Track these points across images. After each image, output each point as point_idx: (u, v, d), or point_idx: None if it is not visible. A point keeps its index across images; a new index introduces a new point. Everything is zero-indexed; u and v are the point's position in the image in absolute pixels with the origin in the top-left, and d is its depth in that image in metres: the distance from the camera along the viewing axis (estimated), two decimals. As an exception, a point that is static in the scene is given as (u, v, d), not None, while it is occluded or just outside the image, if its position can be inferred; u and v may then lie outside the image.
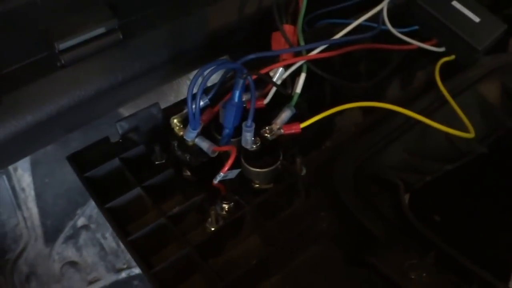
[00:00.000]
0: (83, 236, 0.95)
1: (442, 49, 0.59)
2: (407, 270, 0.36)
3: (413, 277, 0.36)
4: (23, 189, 0.94)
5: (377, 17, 0.56)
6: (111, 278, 0.94)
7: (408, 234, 0.39)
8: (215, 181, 0.43)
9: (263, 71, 0.46)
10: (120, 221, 0.44)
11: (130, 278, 0.96)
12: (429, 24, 0.59)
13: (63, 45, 0.43)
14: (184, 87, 0.89)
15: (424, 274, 0.36)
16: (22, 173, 0.94)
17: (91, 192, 0.45)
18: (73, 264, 0.95)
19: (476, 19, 0.58)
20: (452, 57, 0.58)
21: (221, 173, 0.42)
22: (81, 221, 0.94)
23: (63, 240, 0.96)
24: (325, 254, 0.41)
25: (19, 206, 0.94)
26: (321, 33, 0.55)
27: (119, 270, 0.95)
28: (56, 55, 0.43)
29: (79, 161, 0.48)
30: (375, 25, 0.56)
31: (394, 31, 0.57)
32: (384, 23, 0.56)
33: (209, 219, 0.45)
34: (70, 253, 0.95)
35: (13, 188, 0.93)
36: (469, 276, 0.36)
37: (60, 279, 0.92)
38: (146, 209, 0.46)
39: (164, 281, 0.39)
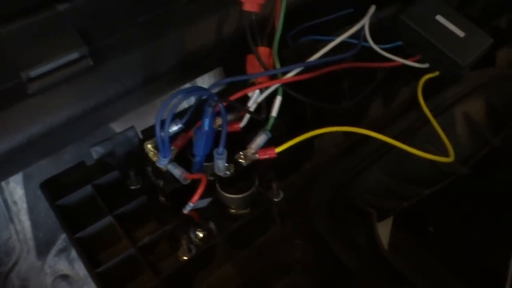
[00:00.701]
0: None
1: (426, 65, 0.58)
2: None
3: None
4: (15, 202, 0.93)
5: (359, 33, 0.55)
6: None
7: (381, 266, 0.38)
8: (185, 211, 0.42)
9: (237, 95, 0.45)
10: (91, 251, 0.43)
11: None
12: (412, 40, 0.58)
13: (31, 74, 0.42)
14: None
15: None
16: (15, 186, 0.93)
17: (61, 221, 0.44)
18: (65, 277, 0.95)
19: (461, 34, 0.57)
20: (436, 73, 0.57)
21: (190, 203, 0.41)
22: None
23: (55, 253, 0.95)
24: (298, 284, 0.40)
25: (11, 219, 0.93)
26: (304, 50, 0.54)
27: None
28: (24, 84, 0.42)
29: (53, 188, 0.47)
30: (356, 42, 0.55)
31: (376, 48, 0.56)
32: (366, 40, 0.55)
33: (181, 248, 0.44)
34: (62, 266, 0.95)
35: (5, 201, 0.92)
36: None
37: None
38: (118, 237, 0.45)
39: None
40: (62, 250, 0.95)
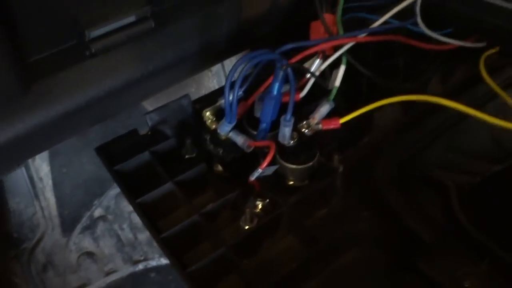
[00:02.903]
0: (100, 227, 0.95)
1: (483, 44, 0.56)
2: (460, 278, 0.34)
3: (467, 286, 0.34)
4: (41, 179, 0.94)
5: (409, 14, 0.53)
6: (128, 269, 0.94)
7: (460, 239, 0.37)
8: (252, 178, 0.41)
9: (296, 58, 0.44)
10: (151, 217, 0.42)
11: (147, 270, 0.96)
12: (464, 22, 0.55)
13: (93, 33, 0.41)
14: (205, 78, 0.88)
15: (479, 283, 0.34)
16: (40, 163, 0.94)
17: (121, 186, 0.43)
18: (90, 254, 0.95)
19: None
20: (496, 49, 0.55)
21: (259, 169, 0.40)
22: (98, 212, 0.94)
23: (80, 231, 0.96)
24: (367, 258, 0.39)
25: (36, 196, 0.94)
26: (356, 24, 0.53)
27: (136, 262, 0.95)
28: (86, 44, 0.41)
29: (108, 154, 0.46)
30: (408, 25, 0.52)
31: (429, 32, 0.53)
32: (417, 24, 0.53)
33: (243, 217, 0.43)
34: (87, 243, 0.95)
35: (31, 178, 0.93)
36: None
37: (77, 270, 0.92)
38: (177, 204, 0.44)
39: (199, 281, 0.37)
40: (87, 228, 0.96)
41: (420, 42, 0.53)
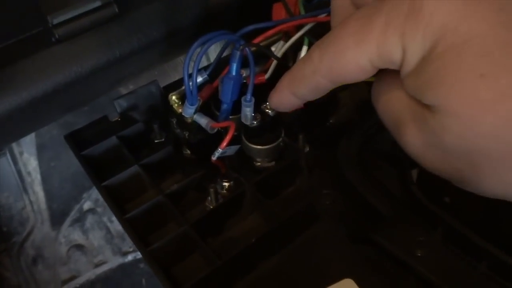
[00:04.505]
0: (90, 219, 0.96)
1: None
2: (413, 247, 0.35)
3: (419, 254, 0.34)
4: (29, 173, 0.94)
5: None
6: (118, 261, 0.95)
7: (414, 211, 0.38)
8: (214, 158, 0.42)
9: (258, 39, 0.44)
10: (118, 200, 0.43)
11: (136, 261, 0.97)
12: None
13: (57, 19, 0.42)
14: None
15: (431, 251, 0.35)
16: (28, 157, 0.94)
17: (87, 170, 0.44)
18: (79, 247, 0.97)
19: None
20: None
21: (219, 149, 0.41)
22: (87, 205, 0.95)
23: (69, 223, 0.97)
24: (328, 232, 0.40)
25: (25, 190, 0.94)
26: (320, 5, 0.53)
27: (125, 253, 0.97)
28: (50, 30, 0.42)
29: (77, 140, 0.47)
30: None
31: None
32: None
33: (209, 198, 0.43)
34: (77, 236, 0.96)
35: (19, 172, 0.93)
36: (479, 252, 0.34)
37: (67, 262, 0.93)
38: (144, 187, 0.45)
39: (161, 260, 0.38)
40: (76, 221, 0.96)
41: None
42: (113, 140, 0.46)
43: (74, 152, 0.45)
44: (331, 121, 0.50)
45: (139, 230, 0.40)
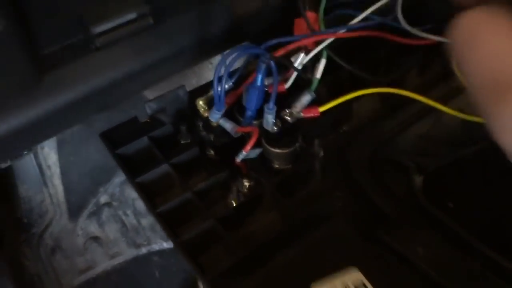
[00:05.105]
0: (106, 212, 0.98)
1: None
2: (416, 246, 0.39)
3: (419, 250, 0.38)
4: (49, 167, 0.96)
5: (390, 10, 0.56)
6: (132, 253, 0.97)
7: (418, 213, 0.42)
8: (238, 159, 0.46)
9: (280, 52, 0.48)
10: (149, 194, 0.47)
11: (150, 254, 0.98)
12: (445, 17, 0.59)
13: (98, 29, 0.46)
14: (206, 70, 0.92)
15: (432, 250, 0.39)
16: (49, 151, 0.96)
17: (122, 166, 0.48)
18: (96, 239, 0.98)
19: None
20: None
21: (243, 152, 0.45)
22: (103, 199, 0.97)
23: (86, 216, 0.98)
24: (339, 231, 0.44)
25: (45, 183, 0.96)
26: (338, 21, 0.57)
27: (140, 246, 0.98)
28: (91, 38, 0.46)
29: (111, 139, 0.52)
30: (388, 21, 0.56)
31: (410, 28, 0.57)
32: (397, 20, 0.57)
33: (231, 195, 0.48)
34: (93, 228, 0.97)
35: (39, 166, 0.95)
36: (475, 253, 0.38)
37: (84, 253, 0.96)
38: (173, 184, 0.49)
39: (190, 250, 0.42)
40: (93, 214, 0.99)
41: (399, 37, 0.58)
42: (144, 140, 0.51)
43: (109, 150, 0.50)
44: (344, 128, 0.54)
45: (169, 223, 0.44)
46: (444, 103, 0.51)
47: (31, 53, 0.41)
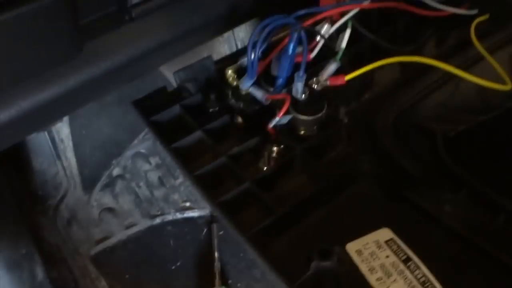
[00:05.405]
0: (119, 184, 0.99)
1: (475, 11, 0.62)
2: (442, 204, 0.42)
3: (447, 210, 0.41)
4: (62, 140, 0.96)
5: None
6: (146, 223, 0.98)
7: (442, 173, 0.44)
8: (271, 125, 0.48)
9: (308, 22, 0.50)
10: (184, 159, 0.49)
11: (164, 224, 0.98)
12: None
13: (134, 0, 0.47)
14: (216, 44, 0.93)
15: (457, 208, 0.42)
16: (61, 125, 0.96)
17: (156, 134, 0.50)
18: (110, 210, 0.99)
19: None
20: (486, 16, 0.61)
21: (276, 118, 0.47)
22: (116, 171, 0.99)
23: (100, 188, 0.98)
24: (366, 192, 0.47)
25: (58, 156, 0.96)
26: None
27: (154, 216, 0.99)
28: (128, 9, 0.47)
29: (143, 107, 0.54)
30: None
31: (427, 0, 0.59)
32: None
33: (262, 159, 0.50)
34: (107, 200, 0.98)
35: (52, 139, 0.95)
36: (497, 208, 0.41)
37: (99, 224, 0.98)
38: (206, 150, 0.51)
39: (227, 210, 0.45)
40: (107, 186, 1.00)
41: (418, 9, 0.60)
42: (176, 108, 0.53)
43: (142, 118, 0.52)
44: (366, 96, 0.56)
45: (204, 186, 0.47)
46: (464, 70, 0.53)
47: (74, 24, 0.43)
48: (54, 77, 0.45)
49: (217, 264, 0.83)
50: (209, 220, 0.90)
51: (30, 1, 0.36)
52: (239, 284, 0.83)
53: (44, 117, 0.50)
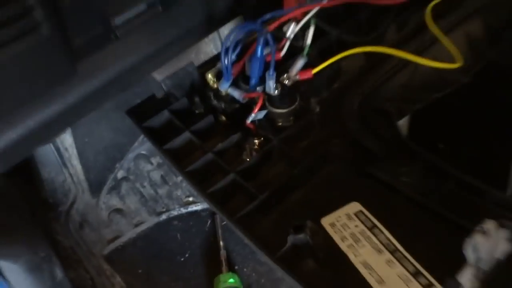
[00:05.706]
0: (124, 186, 1.03)
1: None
2: (399, 175, 0.48)
3: (404, 180, 0.48)
4: (66, 149, 0.98)
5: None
6: (153, 220, 1.03)
7: (399, 149, 0.50)
8: (248, 121, 0.54)
9: (274, 24, 0.55)
10: (175, 158, 0.56)
11: (170, 219, 1.03)
12: None
13: (118, 21, 0.53)
14: (203, 44, 0.97)
15: (412, 177, 0.48)
16: (64, 136, 0.98)
17: (150, 138, 0.57)
18: (118, 211, 1.03)
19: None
20: (440, -1, 0.66)
21: (252, 114, 0.53)
22: (120, 174, 1.03)
23: (107, 191, 1.02)
24: (338, 171, 0.53)
25: (64, 164, 0.99)
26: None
27: (160, 213, 1.03)
28: (112, 29, 0.53)
29: (136, 114, 0.60)
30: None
31: None
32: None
33: (245, 152, 0.56)
34: (115, 201, 1.02)
35: (57, 149, 0.97)
36: (447, 177, 0.47)
37: (109, 224, 1.02)
38: (194, 148, 0.57)
39: (216, 199, 0.51)
40: (113, 188, 1.03)
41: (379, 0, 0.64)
42: (165, 113, 0.59)
43: (136, 124, 0.58)
44: (335, 85, 0.62)
45: (196, 179, 0.53)
46: (420, 54, 0.59)
47: (68, 49, 0.49)
48: (55, 96, 0.51)
49: (222, 252, 0.87)
50: (212, 212, 0.95)
51: (30, 34, 0.42)
52: (245, 269, 0.88)
53: (49, 131, 0.56)
